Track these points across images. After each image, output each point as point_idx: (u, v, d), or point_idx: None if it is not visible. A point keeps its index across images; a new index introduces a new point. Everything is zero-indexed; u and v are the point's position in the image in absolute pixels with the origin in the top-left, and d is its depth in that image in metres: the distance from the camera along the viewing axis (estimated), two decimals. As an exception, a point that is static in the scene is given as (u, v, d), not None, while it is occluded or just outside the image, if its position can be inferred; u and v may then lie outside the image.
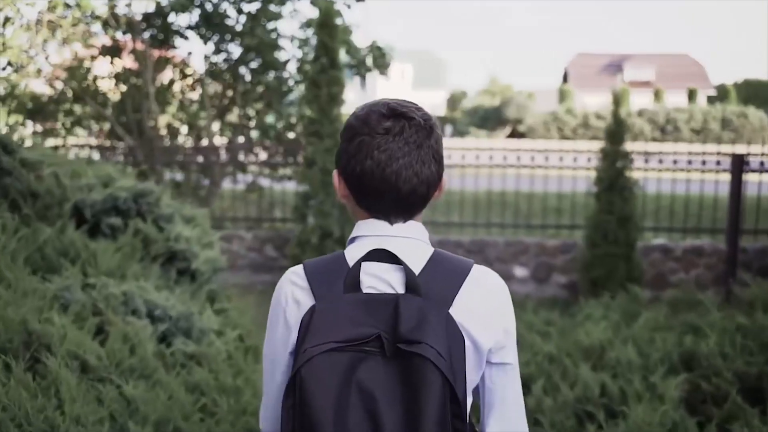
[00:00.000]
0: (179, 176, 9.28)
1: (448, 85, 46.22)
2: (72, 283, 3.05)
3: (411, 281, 1.19)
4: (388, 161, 1.21)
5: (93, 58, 9.11)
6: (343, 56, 8.19)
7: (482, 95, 39.94)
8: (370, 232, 1.28)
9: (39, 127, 9.25)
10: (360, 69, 8.68)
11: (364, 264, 1.21)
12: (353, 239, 1.30)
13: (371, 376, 1.12)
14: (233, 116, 9.65)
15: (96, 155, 8.56)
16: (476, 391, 1.29)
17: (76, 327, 2.65)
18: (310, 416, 1.11)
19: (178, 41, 9.39)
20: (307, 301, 1.22)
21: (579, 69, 42.01)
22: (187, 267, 3.84)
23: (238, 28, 9.06)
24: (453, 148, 8.10)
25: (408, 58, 41.81)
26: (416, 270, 1.21)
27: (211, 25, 9.03)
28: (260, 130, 9.57)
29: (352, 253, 1.26)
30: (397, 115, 1.24)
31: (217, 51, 9.28)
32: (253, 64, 9.22)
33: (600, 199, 6.38)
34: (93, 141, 9.48)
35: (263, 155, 9.06)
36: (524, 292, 7.65)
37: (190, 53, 9.53)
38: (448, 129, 33.88)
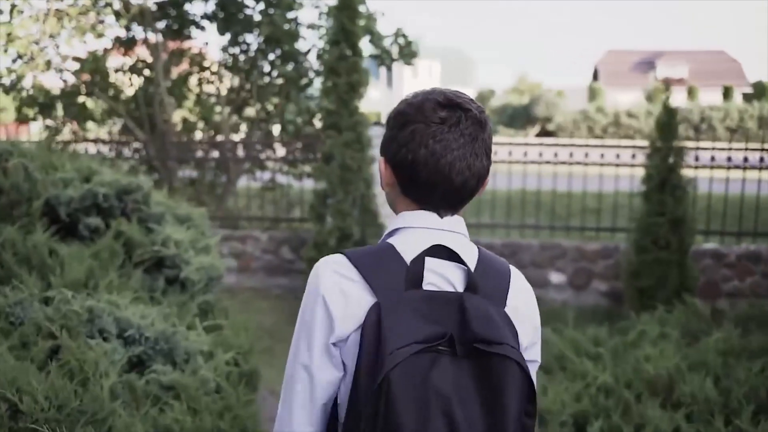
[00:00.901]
0: (194, 173, 8.78)
1: (475, 84, 45.40)
2: (26, 296, 2.48)
3: (471, 280, 1.15)
4: (443, 152, 1.16)
5: (106, 50, 8.63)
6: (366, 46, 7.61)
7: (510, 93, 39.14)
8: (420, 224, 1.20)
9: (50, 122, 8.80)
10: (384, 59, 8.06)
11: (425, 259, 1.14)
12: (397, 230, 1.22)
13: (444, 377, 1.07)
14: (251, 110, 9.09)
15: (107, 152, 8.07)
16: None
17: (15, 355, 2.08)
18: (397, 423, 1.04)
19: (193, 32, 8.88)
20: (361, 294, 1.14)
21: (609, 66, 40.89)
22: (176, 275, 3.27)
23: (257, 17, 8.52)
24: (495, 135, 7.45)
25: (436, 55, 41.06)
26: (470, 267, 1.17)
27: (229, 14, 8.49)
28: (279, 125, 9.02)
29: (404, 246, 1.17)
30: (453, 106, 1.18)
31: (235, 42, 8.74)
32: (272, 56, 8.66)
33: (649, 199, 5.67)
34: (105, 136, 9.02)
35: (282, 151, 8.49)
36: (561, 299, 6.97)
37: (206, 43, 8.99)
38: (476, 127, 32.97)
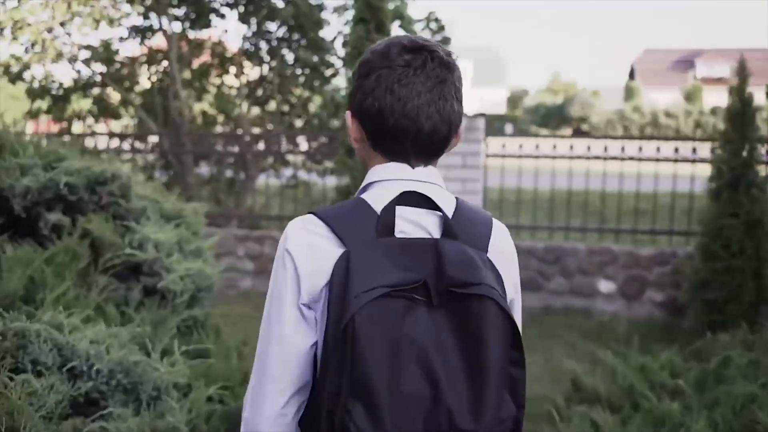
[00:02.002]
0: (212, 170, 8.20)
1: (508, 83, 44.43)
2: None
3: (448, 226, 1.08)
4: (410, 96, 1.09)
5: (121, 39, 8.10)
6: (395, 32, 6.92)
7: (544, 93, 38.15)
8: (391, 176, 1.12)
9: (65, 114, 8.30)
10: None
11: (397, 208, 1.07)
12: (369, 185, 1.14)
13: (420, 327, 0.99)
14: (273, 103, 8.47)
15: (122, 145, 7.51)
16: None
17: None
18: (364, 371, 0.95)
19: (213, 20, 8.30)
20: (330, 247, 1.05)
21: (646, 65, 39.56)
22: (155, 285, 2.61)
23: (280, 4, 7.90)
24: (529, 135, 6.64)
25: (468, 55, 40.19)
26: (447, 215, 1.10)
27: (250, 1, 7.89)
28: (303, 118, 8.40)
29: (375, 198, 1.10)
30: (419, 48, 1.11)
31: (257, 31, 8.14)
32: (295, 45, 8.04)
33: (719, 199, 4.87)
34: (119, 130, 8.49)
35: (305, 146, 7.86)
36: (610, 310, 6.19)
37: (226, 31, 8.40)
38: (509, 128, 32.24)
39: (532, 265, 6.32)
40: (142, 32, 8.12)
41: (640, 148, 6.24)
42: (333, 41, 7.68)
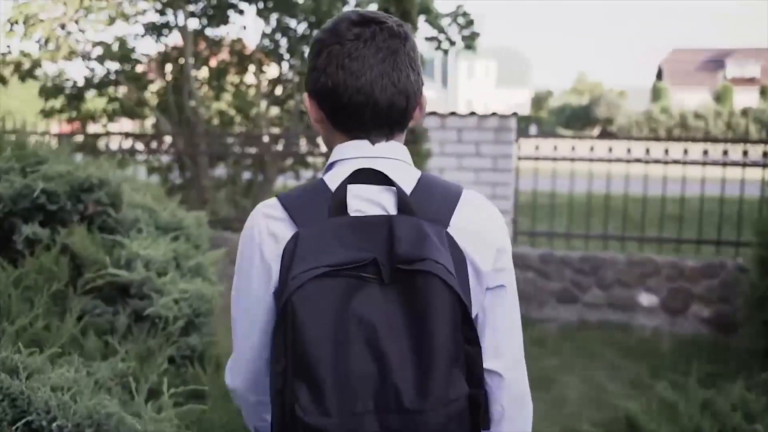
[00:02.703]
0: (229, 172, 7.85)
1: (532, 84, 43.71)
2: None
3: (403, 201, 1.04)
4: (362, 69, 1.05)
5: (136, 36, 7.78)
6: (421, 26, 6.50)
7: (569, 94, 37.44)
8: (351, 155, 1.10)
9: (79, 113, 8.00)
10: (441, 42, 6.93)
11: (350, 186, 1.05)
12: (331, 165, 1.12)
13: (369, 305, 0.95)
14: (293, 102, 8.09)
15: (135, 145, 7.18)
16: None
17: None
18: (306, 350, 0.93)
19: (232, 16, 7.95)
20: (287, 232, 1.04)
21: (675, 65, 38.62)
22: (143, 309, 2.22)
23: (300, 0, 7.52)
24: (565, 136, 6.18)
25: (492, 55, 39.57)
26: (407, 192, 1.06)
27: (270, -4, 7.53)
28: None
29: (333, 178, 1.08)
30: (367, 21, 1.07)
31: (277, 27, 7.76)
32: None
33: (780, 207, 4.37)
34: (135, 130, 8.18)
35: (326, 147, 7.45)
36: (652, 325, 5.70)
37: (244, 27, 8.04)
38: (533, 129, 31.73)
39: (566, 276, 5.86)
40: (158, 29, 7.79)
41: (686, 151, 5.75)
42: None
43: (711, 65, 38.68)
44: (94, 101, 8.10)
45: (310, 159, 7.40)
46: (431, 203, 1.07)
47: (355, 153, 1.10)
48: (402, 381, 0.94)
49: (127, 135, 7.19)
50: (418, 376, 0.95)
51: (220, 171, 7.94)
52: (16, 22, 6.71)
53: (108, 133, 7.20)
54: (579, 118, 33.63)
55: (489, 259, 1.08)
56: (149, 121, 8.17)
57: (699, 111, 30.96)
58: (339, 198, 1.04)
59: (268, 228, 1.07)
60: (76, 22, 7.29)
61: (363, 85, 1.06)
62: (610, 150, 5.82)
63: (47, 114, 7.72)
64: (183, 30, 7.42)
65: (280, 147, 7.30)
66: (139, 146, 7.08)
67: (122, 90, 7.79)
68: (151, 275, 2.23)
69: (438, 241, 1.01)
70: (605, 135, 30.75)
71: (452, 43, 6.94)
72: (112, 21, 7.33)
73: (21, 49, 7.09)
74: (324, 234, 1.00)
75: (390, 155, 1.11)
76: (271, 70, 8.23)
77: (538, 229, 6.20)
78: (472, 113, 5.75)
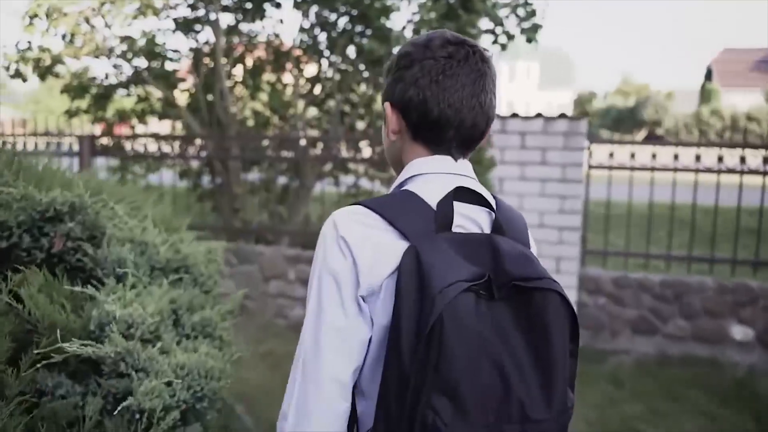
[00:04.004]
0: (263, 176, 7.21)
1: (576, 85, 42.35)
2: None
3: (498, 222, 1.08)
4: (455, 87, 1.07)
5: (161, 31, 7.19)
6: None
7: (614, 95, 36.16)
8: (437, 169, 1.10)
9: (106, 114, 7.45)
10: (498, 35, 6.15)
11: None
12: (412, 177, 1.11)
13: (486, 320, 0.95)
14: (332, 103, 7.40)
15: (161, 147, 6.57)
16: None
17: None
18: (453, 368, 0.90)
19: (269, 10, 7.31)
20: (391, 240, 1.00)
21: (725, 66, 36.89)
22: (124, 393, 1.53)
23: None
24: (638, 142, 5.32)
25: (534, 56, 38.40)
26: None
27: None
28: (366, 120, 7.31)
29: (424, 191, 1.06)
30: (460, 42, 1.10)
31: (317, 22, 7.08)
32: (358, 38, 6.94)
33: None
34: (164, 131, 7.58)
35: (369, 151, 6.76)
36: (746, 362, 4.83)
37: (281, 21, 7.38)
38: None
39: (644, 303, 5.03)
40: (189, 24, 7.19)
41: (765, 159, 4.87)
42: (402, 31, 6.53)
43: (764, 65, 36.82)
44: (122, 101, 7.57)
45: (351, 164, 6.70)
46: (514, 225, 1.10)
47: (441, 168, 1.10)
48: (524, 394, 0.94)
49: (155, 137, 6.59)
50: (542, 388, 0.95)
51: (254, 175, 7.31)
52: (36, 16, 6.16)
53: (135, 135, 6.61)
54: (625, 121, 32.41)
55: None
56: (180, 123, 7.57)
57: (751, 113, 29.47)
58: (446, 213, 1.03)
59: (367, 235, 1.01)
60: (103, 16, 6.72)
61: (454, 102, 1.07)
62: (698, 159, 4.97)
63: (72, 114, 7.18)
64: (214, 25, 6.79)
65: (318, 151, 6.62)
66: (167, 149, 6.47)
67: (149, 89, 7.20)
68: (132, 346, 1.54)
69: (535, 258, 1.02)
70: (652, 138, 29.46)
71: (510, 37, 6.15)
72: (138, 15, 6.74)
73: (40, 44, 6.52)
74: (444, 249, 0.98)
75: (470, 174, 1.12)
76: (310, 68, 7.55)
77: (610, 248, 5.37)
78: (538, 115, 4.97)
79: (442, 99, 1.06)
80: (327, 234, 1.03)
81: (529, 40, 6.03)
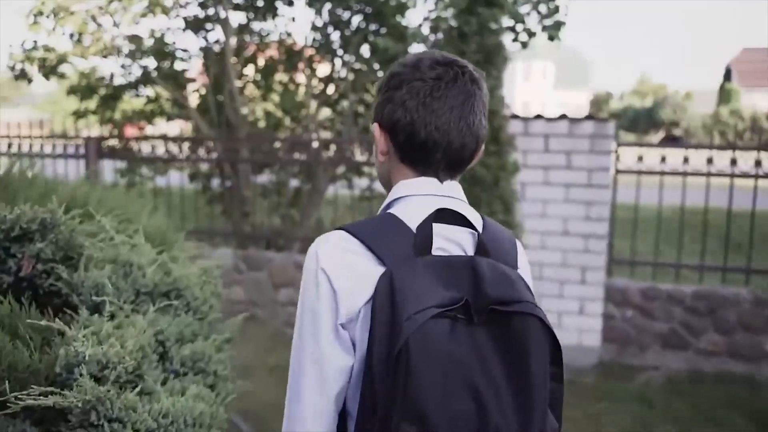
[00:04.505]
0: (273, 178, 6.97)
1: (592, 86, 41.82)
2: None
3: (482, 244, 1.04)
4: (443, 109, 1.06)
5: (168, 30, 6.97)
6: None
7: (631, 95, 35.64)
8: (421, 191, 1.09)
9: (114, 115, 7.25)
10: (519, 33, 5.87)
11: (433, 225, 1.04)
12: (397, 199, 1.10)
13: (462, 345, 0.93)
14: (346, 103, 7.15)
15: (169, 148, 6.36)
16: None
17: None
18: (419, 394, 0.89)
19: (281, 8, 7.07)
20: (369, 265, 1.00)
21: (745, 66, 36.22)
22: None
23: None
24: (670, 145, 5.01)
25: (549, 56, 37.94)
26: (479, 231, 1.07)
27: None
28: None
29: (406, 214, 1.05)
30: (449, 62, 1.09)
31: (330, 20, 6.84)
32: (372, 36, 6.68)
33: None
34: (173, 133, 7.38)
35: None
36: (786, 382, 4.52)
37: (293, 19, 7.14)
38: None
39: (675, 316, 4.73)
40: (200, 23, 6.97)
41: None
42: (419, 28, 6.27)
43: (784, 65, 36.12)
44: (131, 102, 7.37)
45: (365, 167, 6.44)
46: (500, 245, 1.07)
47: (426, 190, 1.09)
48: (501, 420, 0.92)
49: (163, 138, 6.37)
50: (518, 415, 0.93)
51: (265, 178, 7.07)
52: (41, 14, 5.96)
53: (143, 137, 6.41)
54: (642, 121, 31.93)
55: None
56: (189, 124, 7.36)
57: (773, 114, 28.92)
58: (425, 236, 1.01)
59: (346, 262, 1.01)
60: (111, 15, 6.52)
61: (442, 124, 1.06)
62: (734, 163, 4.66)
63: (80, 115, 6.99)
64: (224, 23, 6.57)
65: (331, 153, 6.37)
66: (175, 151, 6.25)
67: (159, 90, 6.99)
68: (105, 393, 1.29)
69: (518, 281, 1.00)
70: (670, 139, 29.02)
71: (532, 35, 5.87)
72: (147, 13, 6.54)
73: (45, 43, 6.32)
74: (419, 273, 0.97)
75: (457, 195, 1.11)
76: (323, 68, 7.31)
77: (639, 257, 5.07)
78: (563, 116, 4.68)
79: (429, 121, 1.05)
80: (308, 265, 1.04)
81: (551, 38, 5.74)
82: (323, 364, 0.99)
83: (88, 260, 1.59)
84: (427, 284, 0.96)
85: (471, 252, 1.05)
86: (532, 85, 39.68)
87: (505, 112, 3.78)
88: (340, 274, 1.00)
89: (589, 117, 4.66)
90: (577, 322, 4.76)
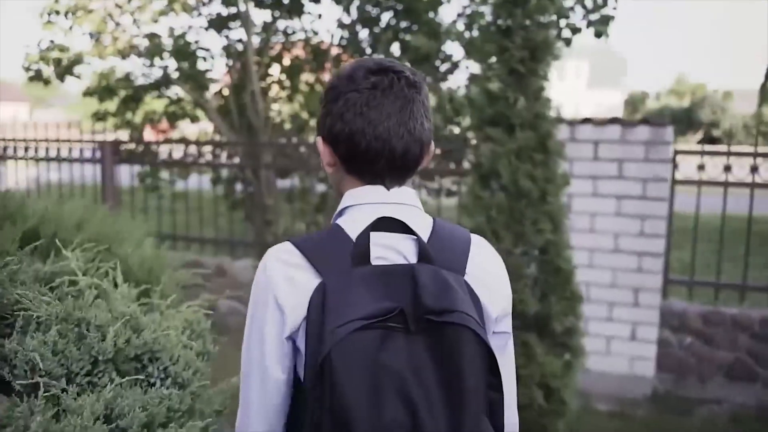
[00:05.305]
0: (298, 183, 6.59)
1: (626, 86, 40.77)
2: None
3: (424, 250, 1.04)
4: (380, 118, 1.06)
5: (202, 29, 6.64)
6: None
7: (668, 95, 34.61)
8: (366, 200, 1.09)
9: (135, 117, 6.95)
10: (562, 29, 5.38)
11: (371, 234, 1.03)
12: (344, 210, 1.10)
13: (396, 355, 0.93)
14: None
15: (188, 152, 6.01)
16: None
17: None
18: (343, 405, 0.90)
19: (306, 5, 6.69)
20: (307, 279, 1.01)
21: (788, 65, 34.90)
22: None
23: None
24: (738, 153, 4.46)
25: (583, 55, 37.01)
26: (424, 239, 1.07)
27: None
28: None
29: (350, 224, 1.06)
30: (384, 69, 1.08)
31: (359, 17, 6.43)
32: (402, 34, 6.25)
33: None
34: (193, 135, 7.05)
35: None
36: None
37: (320, 16, 6.75)
38: (629, 132, 29.23)
39: (741, 343, 4.20)
40: (223, 22, 6.63)
41: None
42: (453, 24, 5.82)
43: (830, 64, 34.71)
44: (151, 103, 7.06)
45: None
46: (447, 251, 1.07)
47: (371, 199, 1.09)
48: (434, 429, 0.92)
49: (182, 142, 6.03)
50: (451, 424, 0.93)
51: (289, 182, 6.70)
52: (56, 12, 5.66)
53: (161, 141, 6.08)
54: (679, 122, 30.98)
55: (498, 306, 1.09)
56: (212, 127, 7.02)
57: (818, 114, 27.74)
58: (362, 246, 1.01)
59: (286, 274, 1.02)
60: (132, 14, 6.21)
61: (381, 133, 1.05)
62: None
63: (99, 117, 6.69)
64: (245, 21, 6.20)
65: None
66: (194, 155, 5.90)
67: (178, 90, 6.66)
68: None
69: (460, 290, 1.00)
70: (708, 140, 28.02)
71: (576, 31, 5.38)
72: (168, 11, 6.21)
73: (60, 43, 6.02)
74: (352, 285, 0.97)
75: (405, 201, 1.10)
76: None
77: (699, 279, 4.54)
78: (614, 119, 4.19)
79: (368, 132, 1.05)
80: (258, 275, 1.05)
81: (598, 35, 5.24)
82: (268, 373, 1.01)
83: (27, 322, 1.20)
84: (359, 295, 0.96)
85: (413, 259, 1.03)
86: (566, 85, 38.77)
87: (552, 114, 3.32)
88: (284, 289, 1.01)
89: (644, 121, 4.16)
90: (628, 348, 4.27)
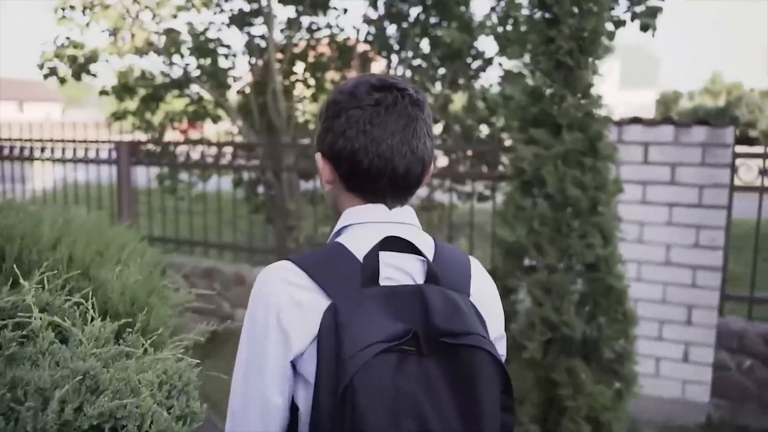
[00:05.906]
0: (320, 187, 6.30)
1: (659, 85, 39.79)
2: None
3: (431, 270, 1.01)
4: (383, 136, 1.03)
5: (210, 24, 6.36)
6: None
7: (702, 95, 33.64)
8: (369, 219, 1.06)
9: (154, 117, 6.71)
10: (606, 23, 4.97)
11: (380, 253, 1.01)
12: (345, 228, 1.07)
13: (412, 379, 0.91)
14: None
15: (208, 153, 5.73)
16: None
17: None
18: (364, 429, 0.87)
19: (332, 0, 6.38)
20: (315, 300, 0.96)
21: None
22: None
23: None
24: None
25: (615, 54, 36.25)
26: (428, 257, 1.04)
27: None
28: (441, 124, 6.27)
29: (354, 243, 1.02)
30: (388, 86, 1.05)
31: (386, 13, 6.10)
32: (432, 30, 5.90)
33: None
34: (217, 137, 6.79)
35: (444, 160, 5.72)
36: None
37: (345, 11, 6.43)
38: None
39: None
40: (244, 18, 6.35)
41: None
42: (486, 18, 5.45)
43: None
44: (172, 102, 6.82)
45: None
46: (451, 271, 1.05)
47: (374, 217, 1.06)
48: None
49: (201, 143, 5.76)
50: None
51: (312, 185, 6.40)
52: (72, 7, 5.43)
53: (179, 143, 5.82)
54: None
55: (497, 327, 1.08)
56: (234, 127, 6.74)
57: None
58: (371, 267, 0.98)
59: (292, 297, 0.97)
60: (151, 10, 5.96)
61: (384, 151, 1.02)
62: None
63: (119, 117, 6.47)
64: (268, 17, 5.91)
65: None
66: (213, 156, 5.63)
67: (199, 89, 6.40)
68: None
69: (468, 311, 0.98)
70: (745, 141, 27.10)
71: (620, 24, 4.97)
72: (191, 6, 5.95)
73: (74, 40, 5.79)
74: (365, 306, 0.94)
75: (406, 221, 1.07)
76: (378, 65, 6.59)
77: (760, 293, 4.11)
78: (667, 119, 3.79)
79: (371, 149, 1.02)
80: (257, 296, 1.00)
81: (644, 28, 4.83)
82: (270, 401, 0.96)
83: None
84: (373, 317, 0.92)
85: (420, 280, 1.01)
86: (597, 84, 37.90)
87: (603, 114, 2.95)
88: (290, 313, 0.96)
89: (701, 122, 3.76)
90: (680, 370, 3.86)
